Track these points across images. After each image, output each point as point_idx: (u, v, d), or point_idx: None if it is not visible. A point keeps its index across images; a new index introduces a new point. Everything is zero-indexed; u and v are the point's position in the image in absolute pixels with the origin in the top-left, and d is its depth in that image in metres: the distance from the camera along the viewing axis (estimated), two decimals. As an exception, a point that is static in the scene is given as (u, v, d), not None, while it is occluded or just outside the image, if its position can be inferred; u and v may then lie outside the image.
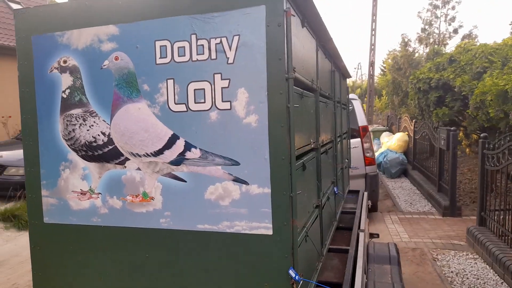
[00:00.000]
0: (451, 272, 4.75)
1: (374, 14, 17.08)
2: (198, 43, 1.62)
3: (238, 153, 1.61)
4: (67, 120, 1.84)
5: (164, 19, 1.66)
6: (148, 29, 1.68)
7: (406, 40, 14.79)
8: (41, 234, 1.94)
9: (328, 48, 2.90)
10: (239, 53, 1.57)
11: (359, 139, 6.77)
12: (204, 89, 1.63)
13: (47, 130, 1.87)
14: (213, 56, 1.60)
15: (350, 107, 6.91)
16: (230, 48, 1.58)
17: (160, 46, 1.67)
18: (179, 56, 1.65)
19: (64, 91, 1.83)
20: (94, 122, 1.79)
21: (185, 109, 1.66)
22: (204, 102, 1.63)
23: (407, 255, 5.37)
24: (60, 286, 1.93)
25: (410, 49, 15.33)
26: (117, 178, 1.79)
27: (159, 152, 1.71)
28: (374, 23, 17.10)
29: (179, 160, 1.68)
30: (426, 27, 15.98)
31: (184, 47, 1.64)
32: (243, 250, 1.64)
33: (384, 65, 18.89)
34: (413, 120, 10.05)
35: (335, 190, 3.28)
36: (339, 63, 3.67)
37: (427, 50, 14.38)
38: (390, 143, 11.14)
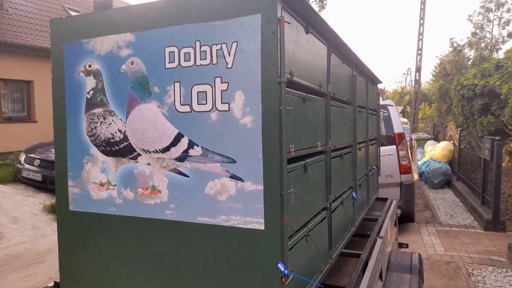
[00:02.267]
0: (485, 288, 4.51)
1: (421, 18, 16.50)
2: (202, 49, 1.76)
3: (235, 152, 1.72)
4: (90, 118, 2.05)
5: (172, 27, 1.82)
6: (159, 37, 1.85)
7: (455, 45, 14.12)
8: (66, 221, 2.16)
9: (346, 53, 2.94)
10: (237, 58, 1.69)
11: (394, 146, 6.60)
12: (206, 91, 1.76)
13: (73, 127, 2.10)
14: (214, 61, 1.73)
15: (386, 114, 6.78)
16: (229, 53, 1.70)
17: (169, 52, 1.83)
18: (185, 61, 1.80)
19: (88, 92, 2.05)
20: (113, 120, 1.99)
21: (189, 110, 1.80)
22: (206, 104, 1.76)
23: (440, 268, 5.17)
24: (82, 268, 2.14)
25: (460, 54, 14.62)
26: (130, 172, 1.97)
27: (166, 149, 1.86)
28: (421, 27, 16.52)
29: (183, 157, 1.83)
30: (477, 31, 15.14)
31: (189, 52, 1.78)
32: (238, 243, 1.75)
33: (436, 71, 18.19)
34: (459, 129, 9.60)
35: (354, 195, 3.28)
36: (363, 69, 3.67)
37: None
38: (434, 152, 10.70)
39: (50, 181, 8.11)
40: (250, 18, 1.65)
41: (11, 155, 10.74)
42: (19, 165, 8.81)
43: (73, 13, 13.84)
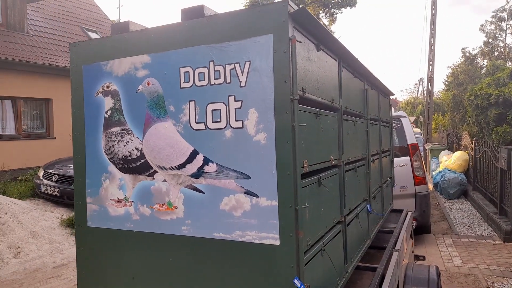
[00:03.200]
0: (506, 302, 4.39)
1: (432, 29, 16.45)
2: (216, 69, 1.81)
3: (249, 168, 1.75)
4: (108, 137, 2.12)
5: (187, 48, 1.88)
6: (174, 58, 1.91)
7: (467, 54, 14.01)
8: (85, 237, 2.21)
9: (357, 68, 2.97)
10: (250, 77, 1.74)
11: (408, 157, 6.55)
12: (220, 109, 1.81)
13: (92, 146, 2.17)
14: (228, 80, 1.78)
15: (398, 125, 6.76)
16: (242, 72, 1.75)
17: (184, 72, 1.89)
18: (199, 80, 1.85)
19: (106, 112, 2.12)
20: (130, 139, 2.05)
21: (204, 128, 1.85)
22: (220, 121, 1.81)
23: (458, 280, 5.06)
24: (100, 283, 2.18)
25: (473, 64, 14.48)
26: (147, 189, 2.02)
27: (182, 166, 1.91)
28: (432, 38, 16.46)
29: (199, 173, 1.87)
30: (490, 40, 15.01)
31: (204, 72, 1.84)
32: (253, 259, 1.77)
33: (448, 80, 18.05)
34: (474, 138, 9.46)
35: (368, 208, 3.27)
36: (374, 82, 3.69)
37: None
38: (448, 162, 10.54)
39: (68, 195, 8.26)
40: (263, 38, 1.70)
41: (30, 171, 10.99)
42: (38, 181, 9.00)
43: (90, 34, 14.24)
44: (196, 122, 1.87)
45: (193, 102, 1.87)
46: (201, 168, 1.86)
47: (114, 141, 2.10)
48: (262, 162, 1.72)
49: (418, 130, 20.63)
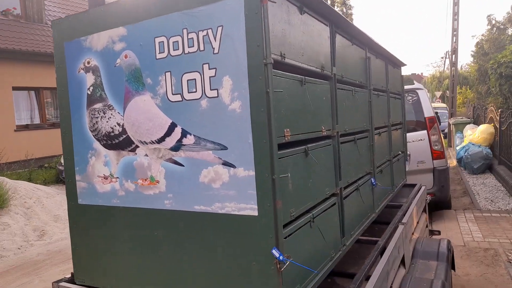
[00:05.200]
0: (527, 276, 4.21)
1: (456, -4, 15.61)
2: (189, 37, 1.74)
3: (226, 138, 1.69)
4: (92, 114, 2.10)
5: (161, 17, 1.81)
6: (149, 28, 1.85)
7: (493, 22, 13.21)
8: (76, 214, 2.23)
9: (355, 35, 2.81)
10: (223, 43, 1.65)
11: (425, 131, 6.31)
12: (195, 79, 1.74)
13: (78, 123, 2.16)
14: (201, 47, 1.71)
15: (415, 98, 6.50)
16: (215, 39, 1.67)
17: (159, 42, 1.83)
18: (174, 50, 1.79)
19: (88, 88, 2.09)
20: (112, 114, 2.02)
21: (181, 99, 1.79)
22: (196, 91, 1.75)
23: (477, 255, 4.90)
24: (92, 259, 2.20)
25: (502, 33, 13.67)
26: (130, 164, 2.00)
27: (162, 140, 1.87)
28: (456, 7, 15.63)
29: (178, 146, 1.82)
30: (519, 4, 14.07)
31: (178, 41, 1.77)
32: (233, 230, 1.72)
33: (475, 52, 17.17)
34: (499, 110, 9.01)
35: (373, 181, 3.16)
36: (379, 50, 3.51)
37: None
38: (473, 136, 10.13)
39: (87, 180, 8.49)
40: (233, 1, 1.61)
41: (55, 158, 11.37)
42: (60, 167, 9.31)
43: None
44: (172, 94, 1.81)
45: (169, 73, 1.81)
46: (179, 140, 1.82)
47: (97, 117, 2.08)
48: (238, 132, 1.65)
49: (444, 105, 19.87)
